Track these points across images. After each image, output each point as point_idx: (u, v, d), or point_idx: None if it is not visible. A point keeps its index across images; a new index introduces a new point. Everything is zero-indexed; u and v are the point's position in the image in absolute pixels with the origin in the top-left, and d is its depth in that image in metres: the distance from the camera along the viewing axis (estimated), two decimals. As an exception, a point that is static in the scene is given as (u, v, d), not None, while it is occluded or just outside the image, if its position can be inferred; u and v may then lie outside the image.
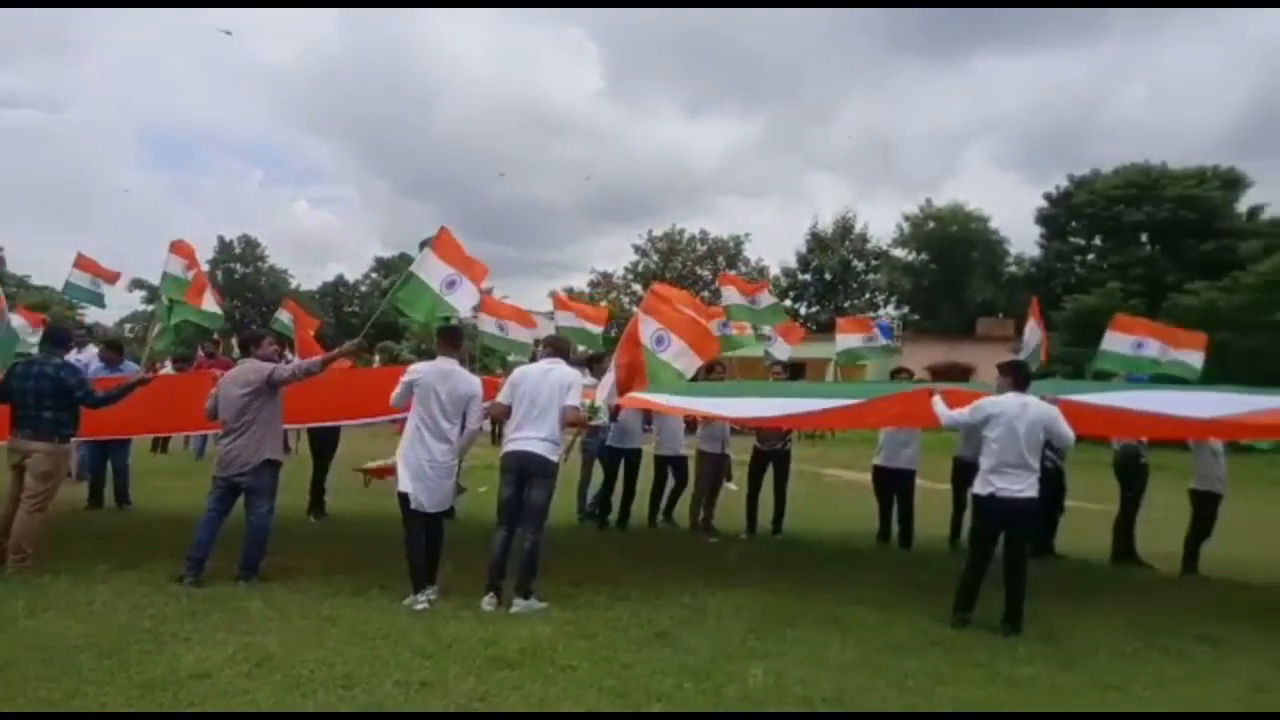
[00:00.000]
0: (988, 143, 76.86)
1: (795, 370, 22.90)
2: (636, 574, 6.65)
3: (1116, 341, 9.01)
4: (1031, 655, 5.06)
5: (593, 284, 52.11)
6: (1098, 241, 37.40)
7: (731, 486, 10.12)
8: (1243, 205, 35.93)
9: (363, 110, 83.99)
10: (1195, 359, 9.16)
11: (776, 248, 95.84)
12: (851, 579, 6.93)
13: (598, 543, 8.19)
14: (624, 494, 8.94)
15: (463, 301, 7.20)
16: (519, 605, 5.51)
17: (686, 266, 50.78)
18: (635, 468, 8.96)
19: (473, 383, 5.81)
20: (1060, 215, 38.27)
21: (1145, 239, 35.65)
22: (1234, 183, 35.75)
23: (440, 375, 5.69)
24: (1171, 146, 76.94)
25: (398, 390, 5.74)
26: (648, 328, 6.93)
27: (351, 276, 57.63)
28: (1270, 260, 28.44)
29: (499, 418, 6.23)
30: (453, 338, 6.03)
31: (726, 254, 51.16)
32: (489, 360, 13.40)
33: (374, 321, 7.67)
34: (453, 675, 4.27)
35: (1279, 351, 24.95)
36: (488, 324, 10.95)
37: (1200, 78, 71.31)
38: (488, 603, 5.55)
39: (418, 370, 5.80)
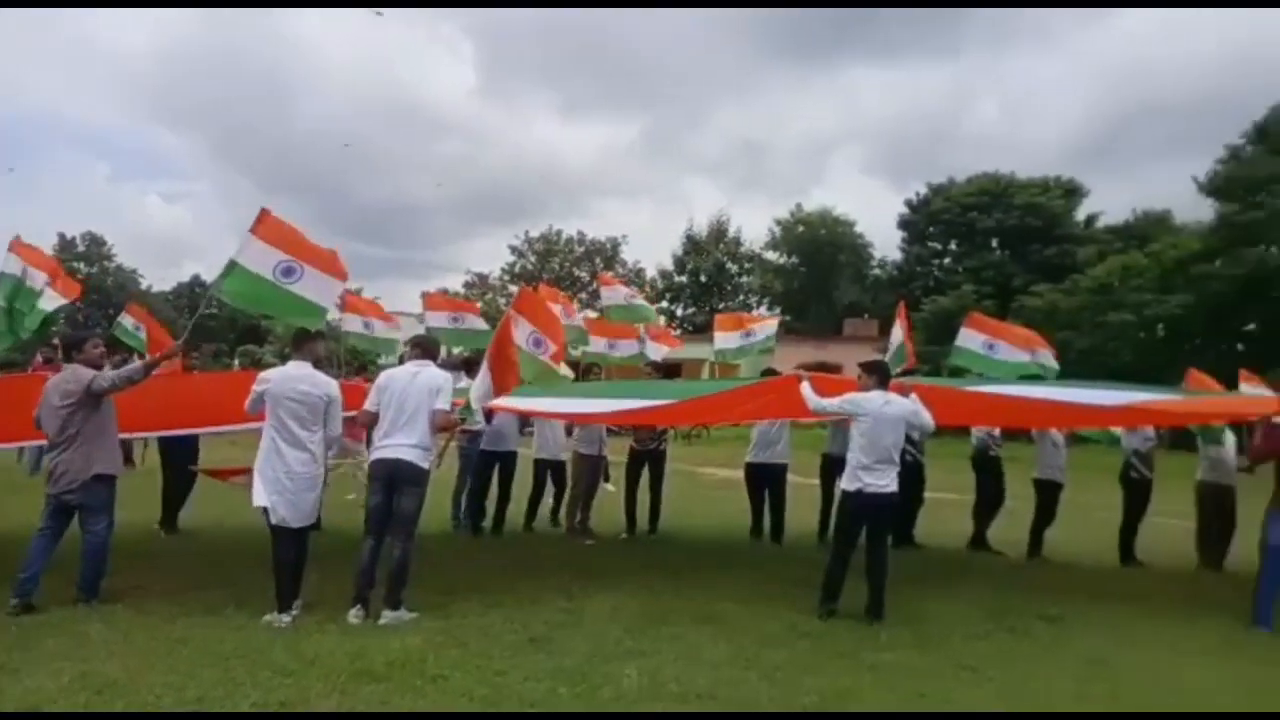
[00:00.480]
0: (854, 150, 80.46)
1: (671, 371, 23.25)
2: (511, 580, 6.56)
3: (969, 339, 9.51)
4: (893, 641, 5.28)
5: (468, 285, 51.40)
6: (954, 246, 39.58)
7: (609, 487, 10.14)
8: (1081, 213, 38.79)
9: (220, 102, 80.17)
10: (1050, 358, 9.83)
11: (653, 250, 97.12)
12: (725, 575, 7.06)
13: (472, 549, 8.03)
14: (499, 499, 8.79)
15: (317, 292, 6.17)
16: (388, 617, 5.33)
17: (564, 268, 50.77)
18: (511, 472, 8.82)
19: (326, 386, 5.54)
20: (920, 221, 40.29)
21: (996, 244, 37.97)
22: (1073, 192, 38.56)
23: (291, 380, 5.42)
24: (1019, 157, 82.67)
25: (250, 398, 5.44)
26: (522, 330, 6.84)
27: (209, 277, 54.78)
28: (1103, 265, 30.82)
29: (366, 425, 6.00)
30: (302, 340, 5.71)
31: (604, 255, 51.49)
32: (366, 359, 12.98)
33: (195, 322, 6.91)
34: (315, 693, 4.08)
35: (1110, 350, 27.09)
36: (353, 323, 10.56)
37: (1043, 94, 76.69)
38: (354, 615, 5.34)
39: (268, 377, 5.51)
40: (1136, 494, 8.73)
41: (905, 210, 41.08)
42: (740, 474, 9.47)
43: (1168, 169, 66.82)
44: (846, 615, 5.78)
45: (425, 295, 10.34)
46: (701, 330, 44.70)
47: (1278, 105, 28.46)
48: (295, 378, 5.44)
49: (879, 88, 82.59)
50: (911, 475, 8.67)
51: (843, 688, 4.43)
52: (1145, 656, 5.31)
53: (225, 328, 43.34)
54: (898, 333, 9.46)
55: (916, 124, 76.67)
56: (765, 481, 8.90)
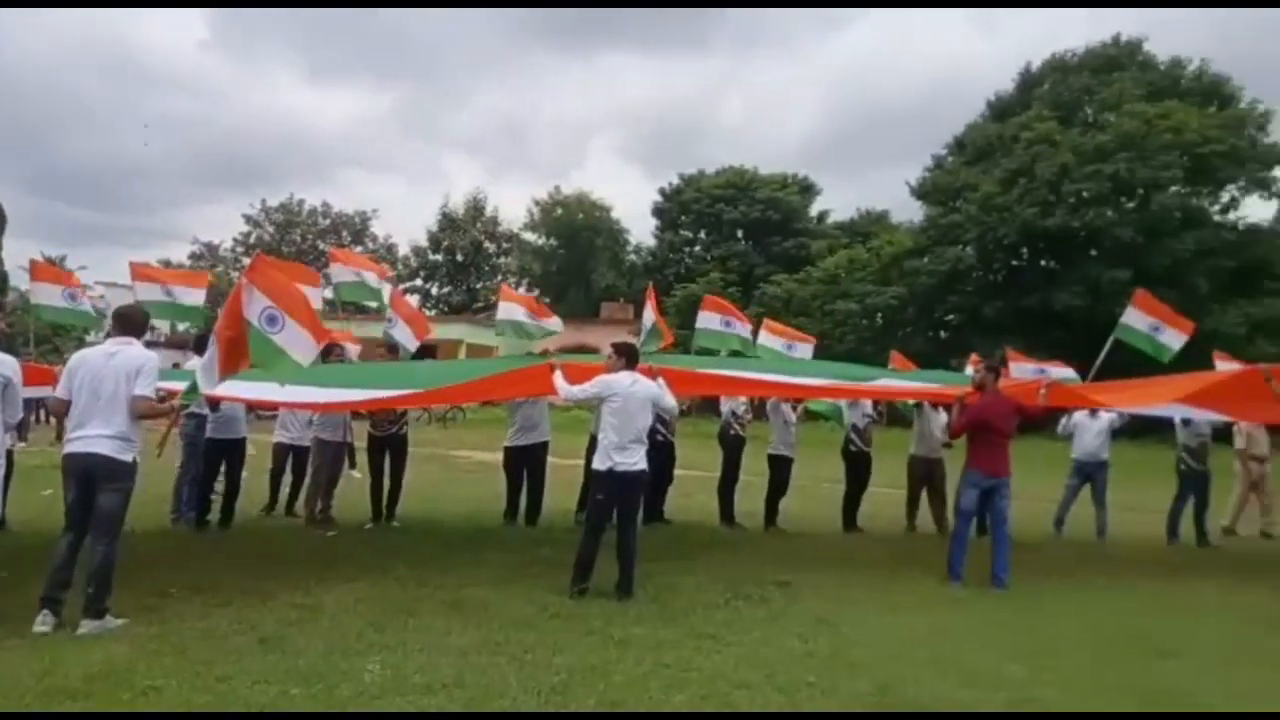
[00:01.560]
0: (613, 136, 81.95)
1: (425, 351, 22.53)
2: (240, 576, 6.02)
3: (708, 319, 10.09)
4: (641, 616, 5.41)
5: (195, 256, 46.96)
6: (703, 235, 41.58)
7: (355, 474, 9.63)
8: (814, 209, 42.17)
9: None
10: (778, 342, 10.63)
11: (407, 226, 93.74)
12: (476, 560, 6.93)
13: (194, 545, 7.30)
14: (226, 490, 8.06)
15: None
16: (87, 626, 4.69)
17: (307, 240, 47.71)
18: (240, 461, 8.10)
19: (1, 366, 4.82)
20: (672, 209, 41.93)
21: (741, 235, 40.33)
22: (808, 189, 41.84)
23: None
24: (762, 154, 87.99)
25: None
26: (256, 304, 6.14)
27: None
28: (832, 258, 33.77)
29: (57, 413, 5.23)
30: None
31: (352, 229, 48.93)
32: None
33: None
34: (-12, 721, 3.50)
35: (836, 335, 29.76)
36: (48, 293, 9.04)
37: (785, 95, 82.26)
38: (41, 622, 4.65)
39: None
40: (856, 466, 9.58)
41: (659, 198, 42.59)
42: (497, 457, 9.34)
43: (888, 173, 74.28)
44: (598, 593, 5.86)
45: (133, 265, 9.09)
46: (458, 311, 43.94)
47: (972, 123, 32.52)
48: None
49: (638, 76, 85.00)
50: (662, 454, 9.04)
51: (590, 664, 4.48)
52: (861, 612, 5.83)
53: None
54: (649, 315, 9.75)
55: (672, 114, 79.81)
56: (525, 464, 8.82)
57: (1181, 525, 9.64)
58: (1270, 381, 7.06)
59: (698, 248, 41.87)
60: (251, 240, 47.01)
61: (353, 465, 9.49)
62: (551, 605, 5.59)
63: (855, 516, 9.59)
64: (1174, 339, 9.63)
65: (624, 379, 6.01)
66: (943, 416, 9.24)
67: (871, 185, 75.57)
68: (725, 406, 9.83)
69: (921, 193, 32.47)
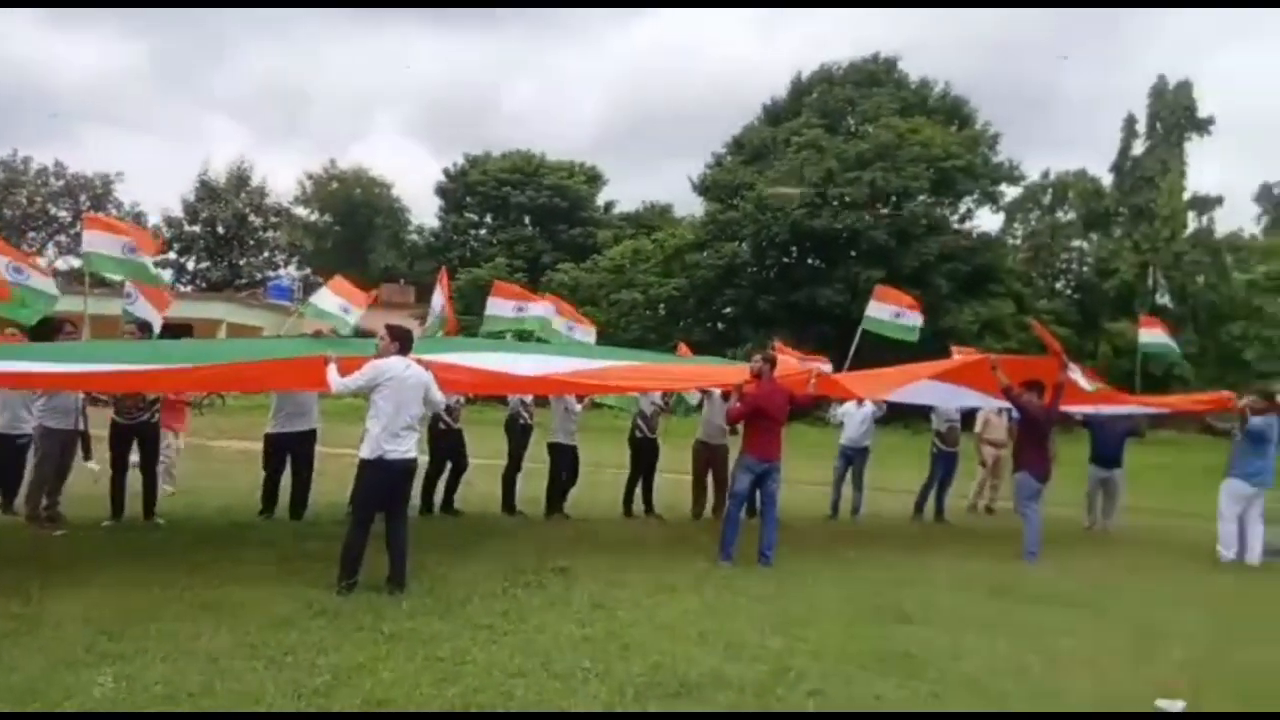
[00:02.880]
0: (398, 110, 78.58)
1: (181, 330, 20.63)
2: (-61, 585, 5.22)
3: (498, 306, 9.95)
4: (414, 610, 5.22)
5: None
6: (489, 219, 40.98)
7: (93, 466, 8.59)
8: (601, 199, 42.74)
9: None
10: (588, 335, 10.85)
11: (159, 193, 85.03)
12: (232, 557, 6.41)
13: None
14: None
15: None
16: None
17: (35, 204, 42.21)
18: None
19: None
20: (457, 190, 40.99)
21: (528, 220, 40.12)
22: (595, 178, 42.33)
23: None
24: (552, 139, 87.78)
25: None
26: None
27: None
28: (618, 248, 34.42)
29: None
30: None
31: (92, 193, 43.68)
32: None
33: None
34: None
35: (622, 324, 30.42)
36: None
37: (578, 82, 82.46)
38: None
39: None
40: (642, 452, 9.78)
41: (443, 178, 41.48)
42: (259, 445, 8.67)
43: (674, 167, 76.30)
44: (370, 588, 5.59)
45: None
46: (218, 287, 40.58)
47: (749, 125, 34.24)
48: None
49: (428, 50, 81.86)
50: (450, 442, 8.86)
51: (357, 663, 4.27)
52: (636, 595, 5.95)
53: None
54: (439, 299, 9.43)
55: (461, 92, 77.64)
56: (290, 452, 8.25)
57: (926, 503, 10.72)
58: (995, 370, 8.32)
59: (483, 231, 41.19)
60: (-36, 199, 40.97)
61: (87, 456, 8.46)
62: (317, 602, 5.27)
63: (632, 501, 9.78)
64: (914, 319, 10.87)
65: (397, 364, 5.74)
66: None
67: (657, 178, 77.58)
68: (514, 395, 9.67)
69: (702, 188, 33.80)
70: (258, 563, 6.24)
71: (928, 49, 68.08)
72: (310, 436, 8.33)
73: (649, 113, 74.16)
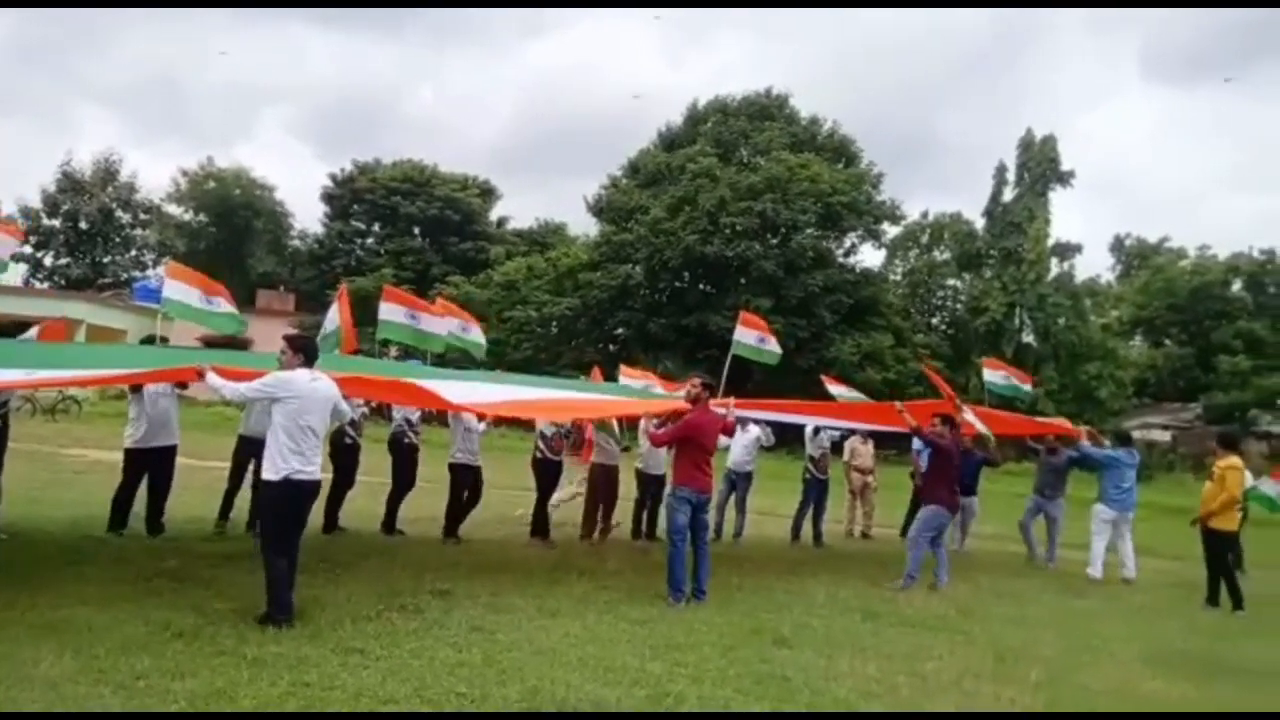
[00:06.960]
0: (285, 110, 76.00)
1: (22, 328, 19.19)
2: None
3: (392, 312, 9.64)
4: (280, 634, 4.96)
5: None
6: (377, 228, 39.92)
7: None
8: (495, 214, 42.30)
9: None
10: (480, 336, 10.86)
11: (14, 182, 78.89)
12: (80, 575, 5.98)
13: None
14: None
15: None
16: None
17: None
18: None
19: None
20: (344, 197, 39.81)
21: (418, 232, 39.30)
22: (489, 193, 41.90)
23: None
24: (447, 151, 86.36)
25: None
26: None
27: None
28: (511, 264, 34.13)
29: None
30: None
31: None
32: None
33: None
34: None
35: (514, 342, 30.14)
36: None
37: (475, 94, 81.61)
38: None
39: None
40: (544, 474, 9.47)
41: (330, 184, 40.21)
42: (117, 456, 8.14)
43: (569, 185, 76.54)
44: (232, 610, 5.30)
45: None
46: (78, 285, 37.99)
47: (645, 149, 34.64)
48: None
49: (322, 49, 79.52)
50: (349, 458, 8.80)
51: (216, 688, 4.03)
52: (516, 619, 5.83)
53: None
54: (335, 316, 9.02)
55: (354, 95, 75.72)
56: (149, 469, 7.74)
57: (803, 528, 10.95)
58: (902, 413, 8.76)
59: (370, 240, 40.02)
60: None
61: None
62: (175, 624, 4.96)
63: (545, 521, 9.53)
64: (774, 346, 11.55)
65: (302, 377, 5.40)
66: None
67: (553, 196, 77.35)
68: (398, 413, 9.30)
69: (597, 209, 33.92)
70: (110, 581, 5.83)
71: (826, 88, 70.78)
72: (171, 452, 7.89)
73: (548, 129, 74.31)
